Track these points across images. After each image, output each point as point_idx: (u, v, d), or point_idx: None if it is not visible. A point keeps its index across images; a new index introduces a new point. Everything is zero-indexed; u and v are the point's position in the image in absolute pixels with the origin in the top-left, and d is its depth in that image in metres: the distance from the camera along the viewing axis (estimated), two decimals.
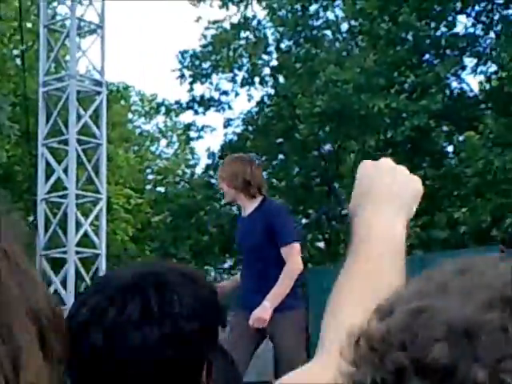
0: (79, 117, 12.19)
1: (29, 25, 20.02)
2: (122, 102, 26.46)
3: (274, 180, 20.61)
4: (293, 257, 5.55)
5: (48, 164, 12.29)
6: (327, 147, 20.68)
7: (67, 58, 13.22)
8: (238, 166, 5.73)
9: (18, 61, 19.95)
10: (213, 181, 21.65)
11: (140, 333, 1.39)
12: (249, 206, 5.82)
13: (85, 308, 1.42)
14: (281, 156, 20.76)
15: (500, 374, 0.72)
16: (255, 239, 5.68)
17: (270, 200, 6.16)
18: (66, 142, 12.26)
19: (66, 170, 12.09)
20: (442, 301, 0.78)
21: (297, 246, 5.66)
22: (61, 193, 12.42)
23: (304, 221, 19.65)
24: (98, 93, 12.47)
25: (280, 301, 5.36)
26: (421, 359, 0.75)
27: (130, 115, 27.68)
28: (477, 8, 18.48)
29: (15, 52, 20.85)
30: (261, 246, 5.63)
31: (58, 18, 13.30)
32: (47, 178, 12.32)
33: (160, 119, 28.01)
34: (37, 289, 0.86)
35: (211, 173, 21.69)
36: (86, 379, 1.43)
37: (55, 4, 14.05)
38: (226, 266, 22.19)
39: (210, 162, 21.71)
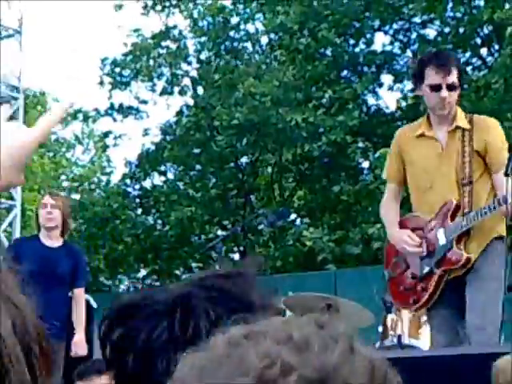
0: None
1: None
2: (39, 108, 26.12)
3: (191, 191, 20.60)
4: None
5: None
6: (244, 159, 20.78)
7: None
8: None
9: None
10: (129, 189, 21.54)
11: (166, 358, 1.41)
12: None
13: (117, 331, 1.46)
14: (198, 167, 20.75)
15: None
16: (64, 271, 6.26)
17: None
18: None
19: None
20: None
21: None
22: None
23: (219, 232, 19.70)
24: (15, 98, 12.33)
25: None
26: None
27: None
28: (395, 26, 18.85)
29: None
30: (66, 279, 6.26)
31: None
32: None
33: (77, 126, 27.71)
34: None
35: (128, 181, 21.56)
36: None
37: None
38: (140, 275, 22.04)
39: (126, 170, 21.59)
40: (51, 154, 26.48)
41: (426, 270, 4.60)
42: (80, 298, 6.36)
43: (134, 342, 1.44)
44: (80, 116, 23.95)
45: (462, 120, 4.71)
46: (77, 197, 24.88)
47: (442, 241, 4.58)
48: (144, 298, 1.52)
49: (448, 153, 4.67)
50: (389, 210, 4.91)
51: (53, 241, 6.30)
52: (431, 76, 4.62)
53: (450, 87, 4.62)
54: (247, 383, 0.77)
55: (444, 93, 4.60)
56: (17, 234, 12.43)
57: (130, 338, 1.45)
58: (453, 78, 4.63)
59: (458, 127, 4.68)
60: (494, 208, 4.36)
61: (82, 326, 6.21)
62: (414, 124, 4.99)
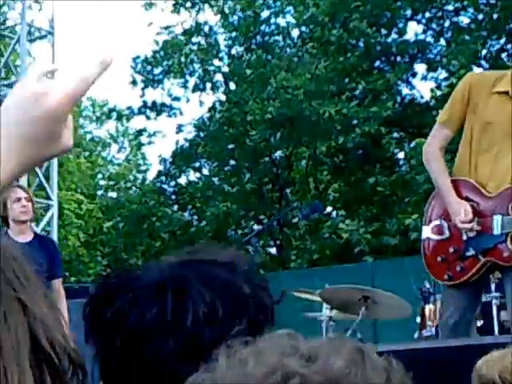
0: None
1: None
2: (74, 108, 26.28)
3: (226, 186, 20.64)
4: None
5: None
6: (278, 153, 20.76)
7: (18, 63, 13.09)
8: None
9: None
10: (164, 186, 21.62)
11: (155, 343, 1.37)
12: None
13: (105, 313, 1.41)
14: (232, 162, 20.79)
15: None
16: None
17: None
18: None
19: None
20: None
21: None
22: None
23: (256, 227, 19.71)
24: None
25: None
26: None
27: (81, 121, 27.50)
28: (427, 15, 18.70)
29: None
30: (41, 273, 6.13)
31: (8, 23, 13.17)
32: None
33: (111, 125, 27.90)
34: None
35: (163, 178, 21.65)
36: (108, 378, 1.44)
37: (5, 9, 13.94)
38: None
39: (161, 167, 21.67)
40: (87, 154, 26.66)
41: (471, 252, 4.27)
42: (61, 288, 6.26)
43: (122, 326, 1.39)
44: (114, 115, 24.10)
45: None
46: (113, 195, 25.06)
47: (497, 230, 4.21)
48: (132, 278, 1.46)
49: None
50: (440, 162, 4.36)
51: (25, 235, 6.19)
52: None
53: None
54: None
55: None
56: (55, 234, 12.53)
57: (118, 321, 1.39)
58: None
59: None
60: None
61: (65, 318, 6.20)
62: (492, 74, 4.45)
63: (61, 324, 0.84)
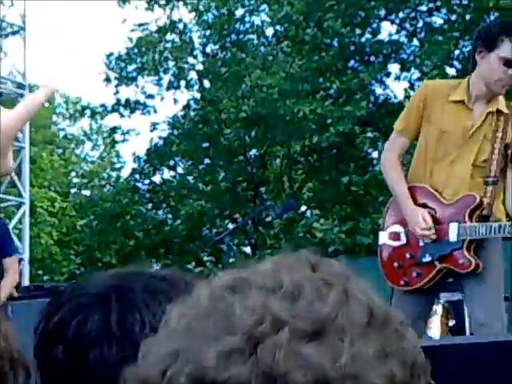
0: None
1: None
2: (46, 105, 26.11)
3: (200, 185, 20.61)
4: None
5: None
6: (253, 152, 20.75)
7: None
8: None
9: None
10: (139, 185, 21.55)
11: (99, 351, 1.36)
12: None
13: (51, 321, 1.39)
14: (207, 160, 20.76)
15: None
16: None
17: None
18: None
19: None
20: (190, 342, 0.74)
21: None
22: None
23: (230, 225, 19.69)
24: (21, 95, 12.33)
25: None
26: None
27: (54, 118, 27.35)
28: (401, 15, 18.77)
29: None
30: None
31: None
32: None
33: (85, 122, 27.74)
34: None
35: (137, 177, 21.58)
36: None
37: None
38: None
39: (135, 165, 21.60)
40: (60, 151, 26.52)
41: (427, 259, 4.29)
42: (12, 265, 5.98)
43: (64, 333, 1.37)
44: (88, 112, 23.95)
45: (502, 103, 4.29)
46: (87, 193, 24.94)
47: (453, 238, 4.25)
48: (76, 287, 1.46)
49: (479, 134, 4.25)
50: (397, 170, 4.41)
51: None
52: (508, 49, 4.15)
53: None
54: (235, 342, 0.70)
55: None
56: (26, 232, 12.44)
57: (60, 330, 1.38)
58: None
59: (498, 111, 4.26)
60: None
61: (3, 292, 5.76)
62: (449, 83, 4.53)
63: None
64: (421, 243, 4.30)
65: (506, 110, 4.27)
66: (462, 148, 4.25)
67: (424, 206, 4.33)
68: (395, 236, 4.44)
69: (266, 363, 0.69)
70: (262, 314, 0.72)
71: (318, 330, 0.71)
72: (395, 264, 4.38)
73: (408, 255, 4.39)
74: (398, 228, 4.44)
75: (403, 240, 4.41)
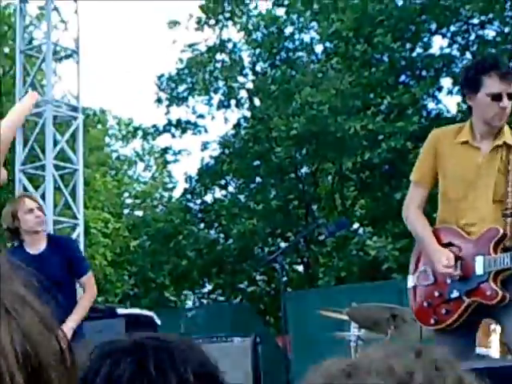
0: (56, 142, 12.18)
1: (6, 50, 20.02)
2: (99, 127, 26.44)
3: (252, 203, 20.63)
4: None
5: (25, 189, 12.26)
6: (304, 170, 20.74)
7: (43, 82, 13.20)
8: None
9: None
10: (190, 204, 21.65)
11: None
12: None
13: (81, 373, 1.36)
14: (258, 179, 20.80)
15: None
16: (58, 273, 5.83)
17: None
18: (43, 168, 12.23)
19: (43, 196, 12.06)
20: None
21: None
22: None
23: (282, 244, 19.66)
24: (75, 118, 12.47)
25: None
26: None
27: (107, 139, 27.66)
28: (452, 28, 18.65)
29: None
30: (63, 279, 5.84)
31: (35, 43, 13.28)
32: None
33: (137, 143, 28.03)
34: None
35: (189, 196, 21.69)
36: None
37: (31, 29, 14.06)
38: (205, 290, 22.13)
39: (187, 185, 21.72)
40: (113, 172, 26.78)
41: (455, 294, 4.38)
42: (87, 284, 6.04)
43: (94, 378, 1.35)
44: (139, 133, 24.21)
45: (508, 136, 4.44)
46: (140, 213, 25.13)
47: (480, 271, 4.32)
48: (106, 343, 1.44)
49: (488, 169, 4.40)
50: (418, 220, 4.61)
51: (38, 246, 5.96)
52: (492, 84, 4.32)
53: (510, 96, 4.34)
54: None
55: (506, 102, 4.31)
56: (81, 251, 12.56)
57: (92, 370, 1.36)
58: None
59: (504, 144, 4.41)
60: None
61: (77, 315, 5.76)
62: (454, 128, 4.68)
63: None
64: (448, 281, 4.41)
65: (511, 141, 4.40)
66: (478, 185, 4.38)
67: (449, 244, 4.44)
68: (424, 277, 4.55)
69: None
70: None
71: None
72: (425, 304, 4.52)
73: (437, 293, 4.48)
74: (425, 269, 4.55)
75: (431, 279, 4.51)
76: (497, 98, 4.31)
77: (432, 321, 4.46)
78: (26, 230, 5.92)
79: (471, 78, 4.44)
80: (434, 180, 4.57)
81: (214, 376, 1.44)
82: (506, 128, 4.47)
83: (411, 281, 4.68)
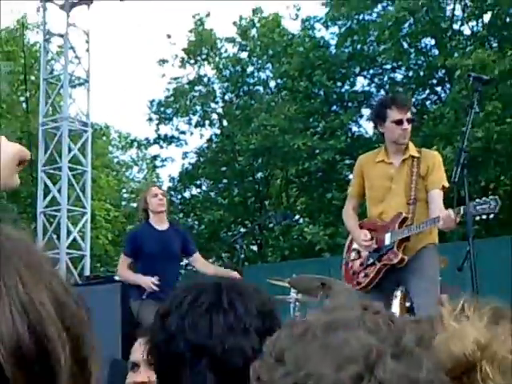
0: (70, 149, 12.05)
1: (32, 77, 19.75)
2: (104, 138, 26.18)
3: (219, 199, 20.58)
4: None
5: (46, 185, 12.11)
6: (259, 174, 20.73)
7: (61, 104, 13.03)
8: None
9: (24, 105, 19.66)
10: (173, 199, 21.51)
11: (208, 320, 1.30)
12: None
13: (167, 302, 1.34)
14: (224, 180, 20.74)
15: None
16: (178, 249, 5.90)
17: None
18: (59, 169, 12.09)
19: (59, 191, 11.94)
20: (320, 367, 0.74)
21: None
22: (55, 207, 12.22)
23: (242, 230, 19.65)
24: (85, 131, 12.35)
25: None
26: None
27: (110, 148, 27.38)
28: (371, 71, 18.77)
29: (21, 98, 20.53)
30: (179, 255, 5.97)
31: (55, 73, 13.12)
32: (45, 196, 12.14)
33: (133, 151, 27.79)
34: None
35: (172, 193, 21.55)
36: (161, 363, 1.32)
37: (53, 62, 13.89)
38: (182, 263, 22.00)
39: (171, 184, 21.60)
40: (114, 173, 26.51)
41: (370, 261, 4.53)
42: (200, 258, 6.05)
43: (179, 306, 1.31)
44: (135, 144, 24.01)
45: (412, 150, 4.59)
46: (134, 205, 24.89)
47: (388, 242, 4.48)
48: (192, 281, 1.43)
49: (400, 176, 4.54)
50: (350, 217, 4.81)
51: (162, 224, 5.92)
52: (394, 113, 4.45)
53: (409, 121, 4.49)
54: (359, 368, 0.74)
55: (405, 125, 4.45)
56: (88, 234, 12.42)
57: (175, 302, 1.33)
58: (409, 114, 4.52)
59: (410, 156, 4.56)
60: (428, 224, 4.30)
61: (215, 269, 6.02)
62: (374, 152, 4.83)
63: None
64: (367, 253, 4.56)
65: (416, 154, 4.57)
66: (392, 190, 4.54)
67: (369, 229, 4.61)
68: (353, 255, 4.75)
69: (382, 381, 0.74)
70: (369, 347, 0.75)
71: (399, 352, 0.77)
72: (351, 272, 4.68)
73: (359, 263, 4.66)
74: (354, 248, 4.75)
75: (356, 256, 4.71)
76: (399, 123, 4.43)
77: (355, 282, 4.58)
78: (152, 211, 5.89)
79: (379, 112, 4.59)
80: (362, 192, 4.73)
81: (271, 313, 1.40)
82: (411, 144, 4.60)
83: (344, 259, 4.87)
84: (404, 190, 4.52)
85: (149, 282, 5.61)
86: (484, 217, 3.99)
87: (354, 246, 4.79)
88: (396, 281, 4.50)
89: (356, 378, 0.72)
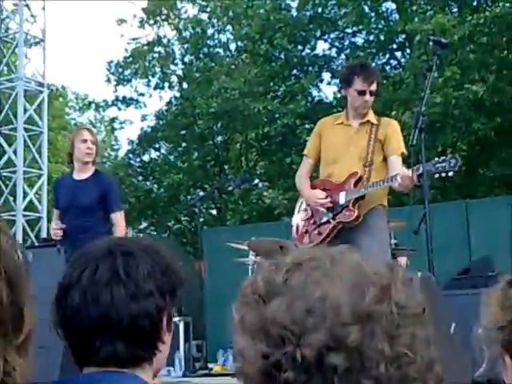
0: (26, 110, 11.80)
1: None
2: (61, 99, 25.68)
3: (179, 162, 20.46)
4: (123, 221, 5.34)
5: (1, 146, 11.86)
6: (219, 138, 20.65)
7: (17, 63, 12.71)
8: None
9: None
10: (132, 162, 21.33)
11: (109, 292, 1.33)
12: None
13: (66, 276, 1.36)
14: (184, 144, 20.61)
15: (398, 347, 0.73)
16: (90, 200, 5.20)
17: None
18: (15, 130, 11.85)
19: (15, 152, 11.71)
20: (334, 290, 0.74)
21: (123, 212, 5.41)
22: (11, 169, 12.00)
23: (201, 193, 19.62)
24: (41, 92, 12.09)
25: None
26: (339, 339, 0.71)
27: (66, 109, 26.90)
28: (332, 35, 18.72)
29: None
30: (94, 206, 5.18)
31: (10, 32, 12.76)
32: (0, 157, 11.90)
33: (91, 113, 27.36)
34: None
35: (131, 156, 21.35)
36: (69, 335, 1.36)
37: (7, 20, 13.49)
38: (141, 227, 21.92)
39: (129, 147, 21.38)
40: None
41: (324, 219, 4.57)
42: (116, 220, 5.21)
43: (79, 281, 1.34)
44: (93, 106, 23.61)
45: (371, 117, 4.64)
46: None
47: (342, 200, 4.50)
48: (86, 249, 1.42)
49: (357, 137, 4.58)
50: (302, 178, 4.79)
51: (84, 173, 5.25)
52: (359, 83, 4.50)
53: (371, 93, 4.53)
54: (376, 293, 0.75)
55: (367, 97, 4.50)
56: (44, 196, 12.26)
57: (75, 277, 1.35)
58: (374, 86, 4.55)
59: (368, 121, 4.61)
60: (385, 182, 4.34)
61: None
62: (334, 116, 4.89)
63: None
64: (321, 210, 4.56)
65: (375, 121, 4.63)
66: (349, 150, 4.56)
67: (324, 189, 4.63)
68: (304, 214, 4.74)
69: (399, 300, 0.76)
70: (381, 272, 0.79)
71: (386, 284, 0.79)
72: (303, 230, 4.67)
73: (312, 222, 4.67)
74: (305, 208, 4.74)
75: (309, 214, 4.70)
76: (362, 93, 4.47)
77: (307, 240, 4.57)
78: (77, 157, 5.24)
79: (345, 76, 4.65)
80: (317, 154, 4.72)
81: (169, 267, 1.44)
82: (370, 111, 4.66)
83: (294, 219, 4.79)
84: (361, 151, 4.56)
85: (52, 227, 5.21)
86: (443, 175, 4.02)
87: (304, 206, 4.81)
88: (347, 241, 4.54)
89: (377, 301, 0.73)
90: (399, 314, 0.74)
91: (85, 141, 5.21)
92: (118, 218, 5.23)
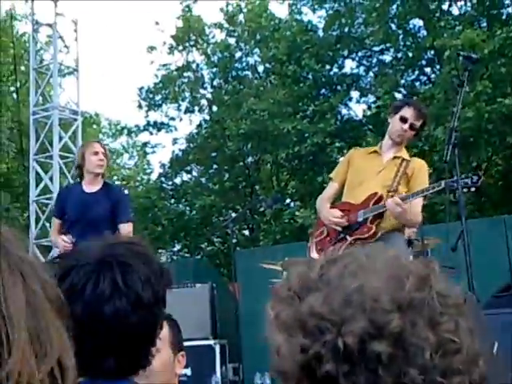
0: (61, 138, 12.00)
1: (22, 68, 19.62)
2: (94, 126, 26.04)
3: (210, 184, 20.54)
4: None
5: (38, 174, 12.05)
6: (250, 159, 20.70)
7: (51, 93, 12.94)
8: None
9: (14, 95, 19.54)
10: (164, 185, 21.49)
11: (112, 305, 1.34)
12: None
13: (65, 283, 1.34)
14: (215, 166, 20.71)
15: (443, 333, 0.72)
16: (102, 213, 5.05)
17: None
18: (51, 157, 12.04)
19: (51, 179, 11.88)
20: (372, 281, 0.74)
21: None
22: (47, 196, 12.18)
23: (233, 214, 19.65)
24: (75, 119, 12.28)
25: None
26: (381, 326, 0.70)
27: (100, 136, 27.26)
28: (360, 54, 18.72)
29: (12, 89, 20.41)
30: (106, 219, 5.02)
31: (44, 62, 13.03)
32: (37, 184, 12.09)
33: (123, 139, 27.69)
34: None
35: (163, 179, 21.52)
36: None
37: (42, 52, 13.78)
38: (174, 249, 22.01)
39: (161, 170, 21.55)
40: None
41: (341, 236, 4.52)
42: (123, 231, 4.96)
43: (81, 294, 1.34)
44: (125, 131, 23.91)
45: (405, 153, 4.65)
46: (126, 192, 24.83)
47: (361, 218, 4.47)
48: (79, 254, 1.41)
49: (387, 168, 4.57)
50: (323, 200, 4.77)
51: (94, 186, 5.15)
52: (406, 111, 4.49)
53: (413, 126, 4.49)
54: (416, 281, 0.76)
55: (407, 126, 4.47)
56: None
57: (76, 289, 1.34)
58: (418, 123, 4.51)
59: (400, 157, 4.61)
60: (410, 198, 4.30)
61: None
62: (368, 148, 4.93)
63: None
64: (338, 229, 4.54)
65: (406, 157, 4.63)
66: (375, 176, 4.55)
67: (342, 210, 4.59)
68: (320, 233, 4.70)
69: (440, 289, 0.76)
70: (417, 264, 0.79)
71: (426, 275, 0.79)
72: (318, 248, 4.62)
73: (328, 240, 4.62)
74: (322, 230, 4.71)
75: (325, 233, 4.67)
76: (404, 120, 4.44)
77: None
78: (88, 170, 5.15)
79: (396, 104, 4.70)
80: (343, 179, 4.69)
81: (163, 273, 1.43)
82: (404, 149, 4.65)
83: (310, 241, 4.83)
84: (387, 180, 4.54)
85: (61, 242, 4.96)
86: (465, 190, 3.99)
87: (319, 228, 4.80)
88: None
89: (417, 289, 0.72)
90: (440, 303, 0.72)
91: (96, 153, 5.18)
92: (126, 229, 5.05)
